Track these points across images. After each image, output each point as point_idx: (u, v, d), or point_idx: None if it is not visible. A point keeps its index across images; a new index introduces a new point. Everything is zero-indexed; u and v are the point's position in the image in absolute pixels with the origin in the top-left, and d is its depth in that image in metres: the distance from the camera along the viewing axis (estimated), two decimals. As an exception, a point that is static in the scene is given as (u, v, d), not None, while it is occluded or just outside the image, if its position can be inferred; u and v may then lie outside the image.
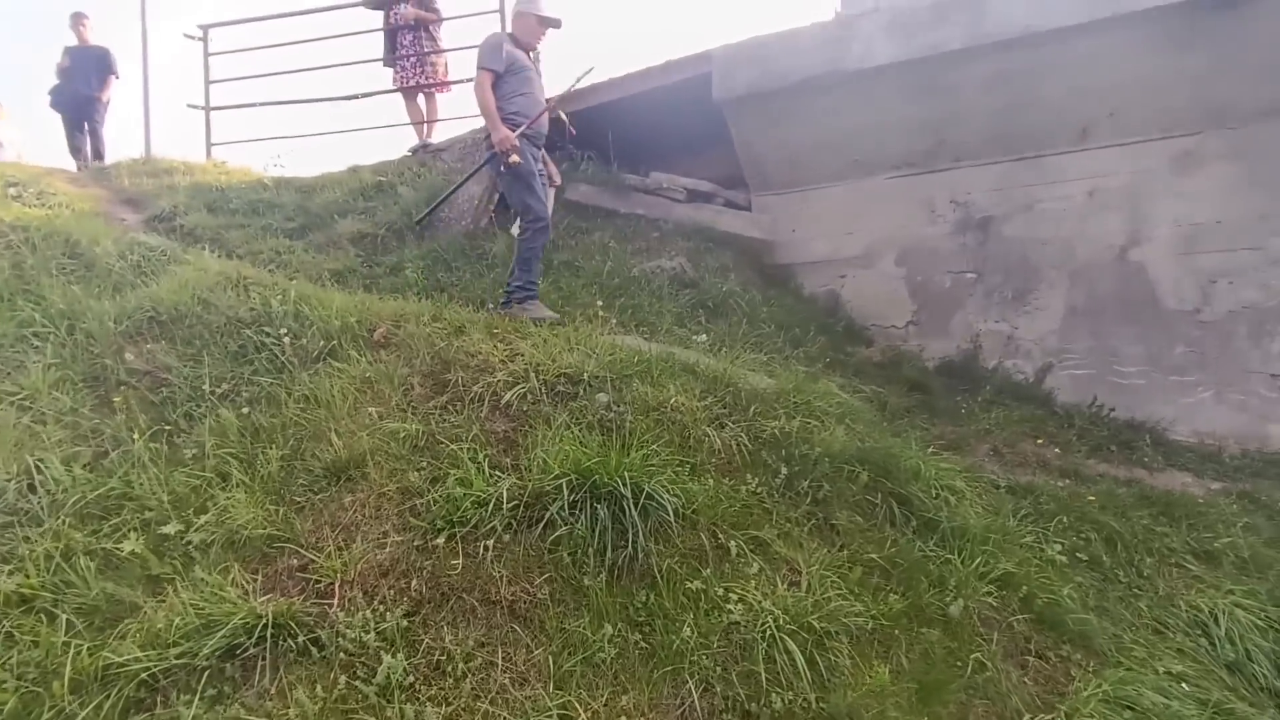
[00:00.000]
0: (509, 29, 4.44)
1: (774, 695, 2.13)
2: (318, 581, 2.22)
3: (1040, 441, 4.25)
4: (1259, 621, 2.95)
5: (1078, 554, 3.23)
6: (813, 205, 6.12)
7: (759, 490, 2.86)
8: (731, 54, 5.75)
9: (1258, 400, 4.95)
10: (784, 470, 2.94)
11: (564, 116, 4.52)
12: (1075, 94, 5.09)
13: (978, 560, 2.79)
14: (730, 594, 2.40)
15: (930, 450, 3.68)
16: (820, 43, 5.45)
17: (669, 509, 2.54)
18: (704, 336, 4.44)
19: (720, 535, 2.61)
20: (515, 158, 3.94)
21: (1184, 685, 2.68)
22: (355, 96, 6.98)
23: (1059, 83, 5.05)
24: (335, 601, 2.18)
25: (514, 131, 3.97)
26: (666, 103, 6.24)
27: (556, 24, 4.34)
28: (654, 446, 2.78)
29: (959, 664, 2.47)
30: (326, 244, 5.36)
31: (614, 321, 4.24)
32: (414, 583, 2.25)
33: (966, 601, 2.63)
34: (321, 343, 3.31)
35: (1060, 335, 5.40)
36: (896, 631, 2.47)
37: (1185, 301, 5.11)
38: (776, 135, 5.93)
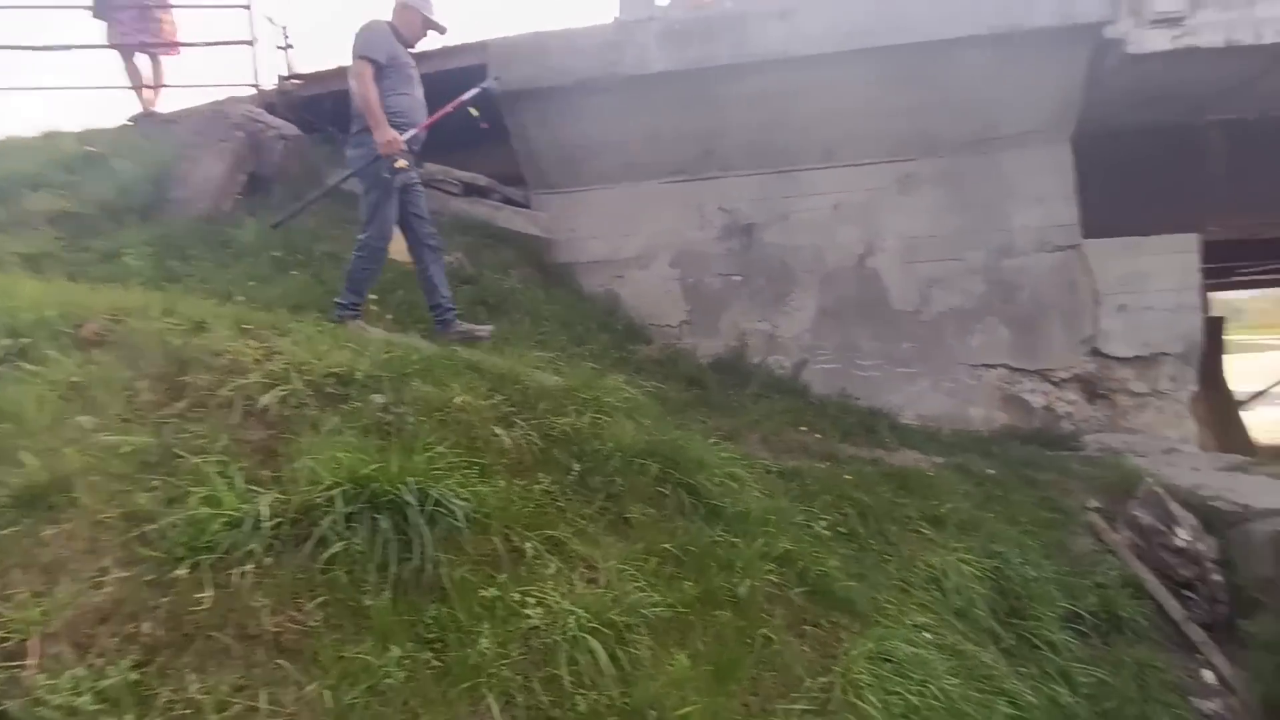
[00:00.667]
0: (390, 19, 3.92)
1: (578, 698, 2.05)
2: (4, 640, 1.74)
3: (802, 429, 4.64)
4: (977, 572, 3.44)
5: (839, 528, 3.53)
6: (591, 206, 6.19)
7: (552, 489, 2.76)
8: (509, 47, 5.63)
9: (962, 387, 5.86)
10: (576, 467, 2.88)
11: (475, 111, 4.10)
12: (822, 117, 5.67)
13: (760, 541, 2.93)
14: (528, 598, 2.28)
15: (711, 441, 3.84)
16: (598, 45, 5.53)
17: (459, 514, 2.36)
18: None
19: (515, 538, 2.48)
20: (403, 162, 3.52)
21: (926, 635, 3.03)
22: (53, 48, 5.79)
23: (810, 105, 5.59)
24: (31, 661, 1.72)
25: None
26: (442, 91, 5.94)
27: (441, 30, 4.01)
28: (440, 449, 2.58)
29: (749, 641, 2.56)
30: (12, 223, 4.36)
31: (389, 318, 3.91)
32: (145, 626, 1.84)
33: (753, 581, 2.75)
34: (7, 341, 2.65)
35: (813, 333, 5.98)
36: (692, 617, 2.51)
37: (909, 303, 5.91)
38: (554, 133, 5.91)
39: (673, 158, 5.96)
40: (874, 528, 3.65)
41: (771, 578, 2.86)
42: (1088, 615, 3.51)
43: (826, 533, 3.40)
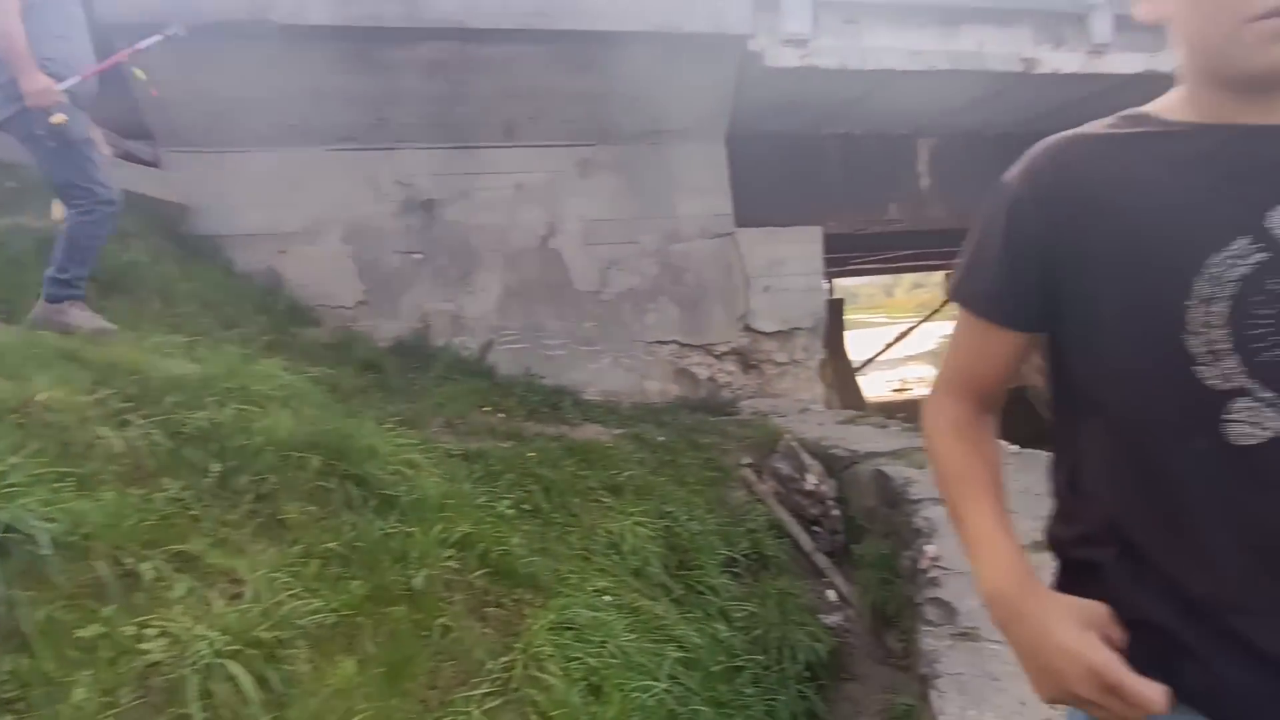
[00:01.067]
0: None
1: (214, 735, 1.75)
2: None
3: (486, 410, 4.57)
4: (650, 533, 3.69)
5: (523, 505, 3.54)
6: (244, 170, 5.41)
7: (183, 496, 2.33)
8: (124, -32, 4.64)
9: (640, 363, 6.28)
10: (216, 467, 2.47)
11: (141, 74, 3.44)
12: (503, 94, 5.61)
13: (438, 528, 2.80)
14: (146, 629, 1.89)
15: (387, 427, 3.59)
16: (244, -17, 4.80)
17: (43, 539, 1.87)
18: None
19: (127, 560, 2.04)
20: (60, 116, 2.84)
21: (607, 597, 3.17)
22: None
23: (490, 81, 5.49)
24: None
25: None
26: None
27: None
28: (14, 460, 2.02)
29: (426, 634, 2.43)
30: None
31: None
32: None
33: (430, 570, 2.61)
34: None
35: (499, 314, 5.93)
36: (360, 619, 2.30)
37: (590, 284, 6.15)
38: (193, 84, 5.03)
39: (341, 123, 5.45)
40: (558, 502, 3.72)
41: (451, 564, 2.74)
42: (741, 558, 3.98)
43: (510, 512, 3.38)
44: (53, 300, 3.11)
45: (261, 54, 4.97)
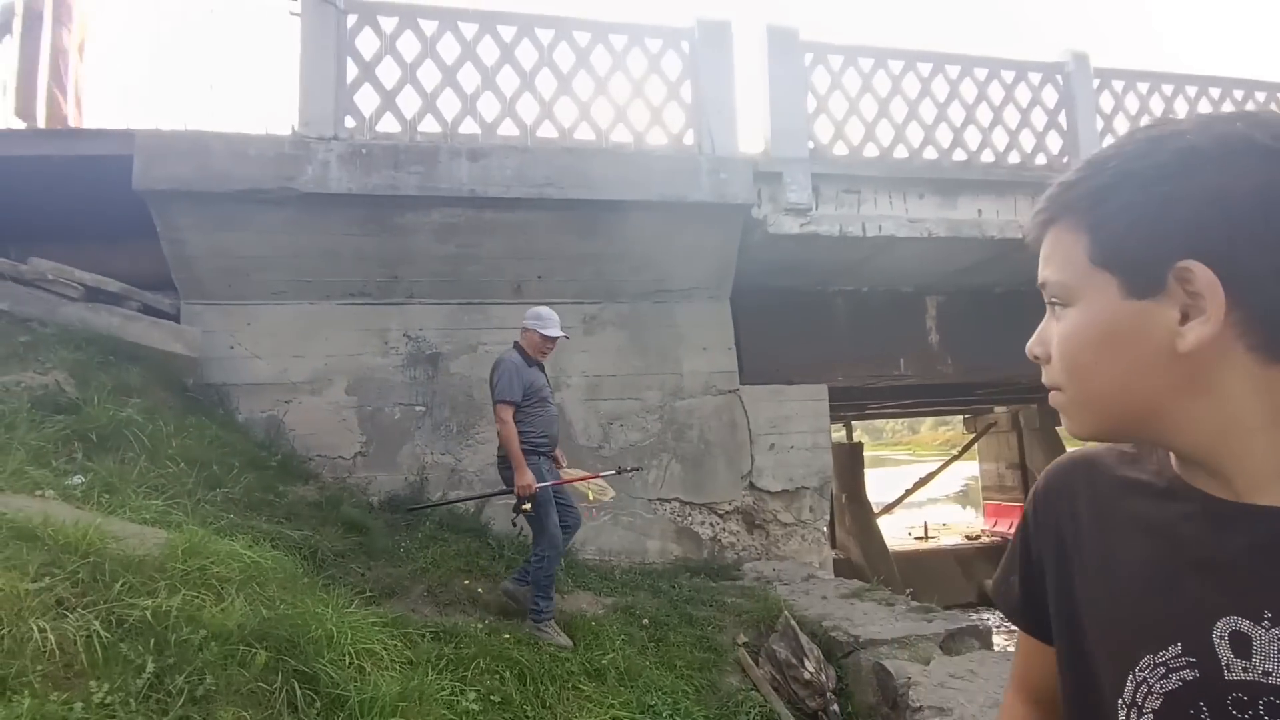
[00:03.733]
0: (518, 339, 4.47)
1: None
2: None
3: (469, 580, 4.39)
4: (629, 730, 3.40)
5: (491, 696, 3.31)
6: (258, 322, 5.58)
7: (110, 700, 2.19)
8: (161, 141, 4.99)
9: (641, 521, 6.09)
10: (151, 666, 2.33)
11: (591, 496, 4.73)
12: (511, 255, 5.81)
13: (386, 735, 2.60)
14: None
15: (357, 602, 3.44)
16: (272, 155, 5.14)
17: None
18: (80, 478, 3.47)
19: (29, 783, 1.88)
20: (527, 506, 4.01)
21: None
22: None
23: (499, 242, 5.71)
24: None
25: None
26: (69, 176, 5.07)
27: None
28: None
29: None
30: None
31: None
32: None
33: (369, 790, 2.39)
34: None
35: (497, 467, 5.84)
36: None
37: (592, 439, 6.09)
38: (216, 241, 5.30)
39: (354, 279, 5.65)
40: (531, 690, 3.48)
41: (396, 778, 2.52)
42: (731, 760, 3.63)
43: (476, 706, 3.15)
44: (535, 621, 4.04)
45: (282, 218, 5.24)
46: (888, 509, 18.28)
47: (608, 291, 6.21)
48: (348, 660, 2.83)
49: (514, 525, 4.35)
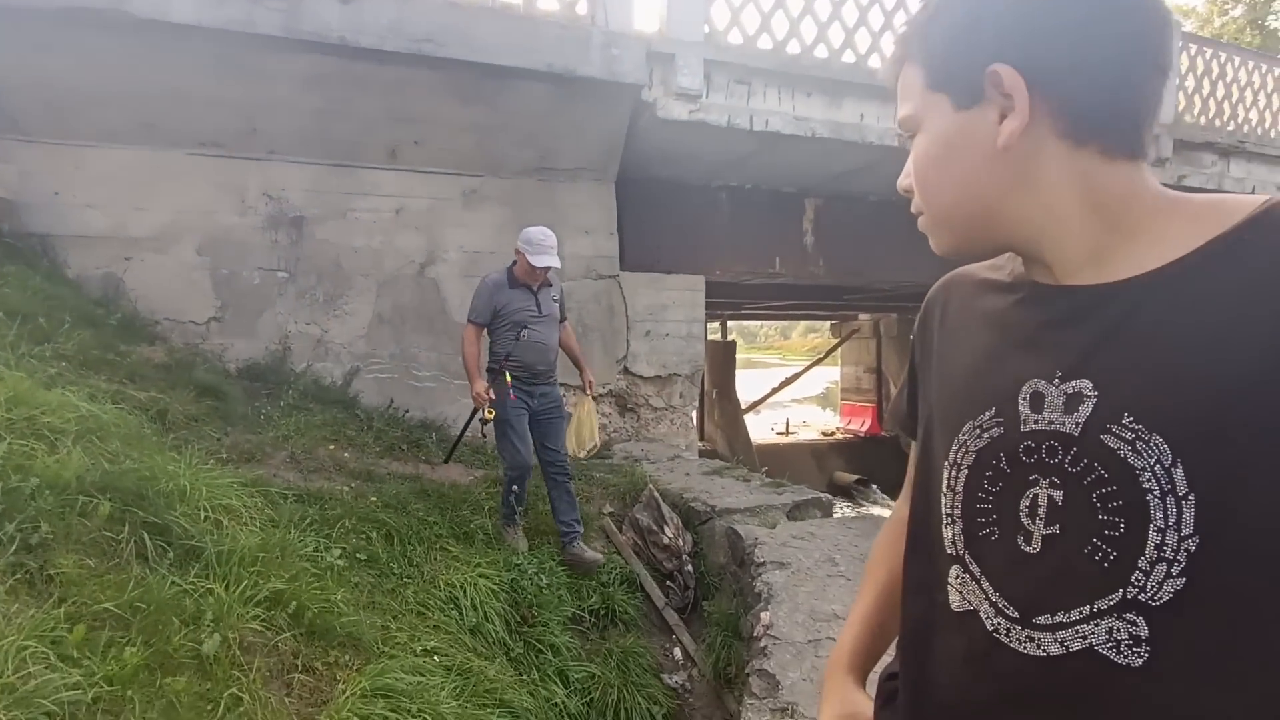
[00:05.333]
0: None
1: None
2: None
3: (336, 446, 4.32)
4: (494, 587, 3.56)
5: (357, 554, 3.34)
6: (90, 167, 4.98)
7: (-73, 546, 2.05)
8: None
9: (514, 400, 6.13)
10: (-25, 513, 2.18)
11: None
12: (386, 115, 5.43)
13: (244, 584, 2.58)
14: None
15: (213, 464, 3.32)
16: (101, -30, 4.44)
17: None
18: None
19: None
20: (489, 412, 3.91)
21: (436, 658, 3.01)
22: None
23: (373, 101, 5.30)
24: None
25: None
26: None
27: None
28: None
29: (211, 706, 2.21)
30: None
31: None
32: None
33: (226, 633, 2.39)
34: None
35: (368, 340, 5.68)
36: (130, 692, 2.06)
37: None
38: (34, 68, 4.60)
39: (206, 127, 5.11)
40: (398, 550, 3.54)
41: (255, 624, 2.53)
42: (589, 614, 3.89)
43: (341, 562, 3.17)
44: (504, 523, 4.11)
45: (119, 46, 4.60)
46: (754, 406, 19.37)
47: (490, 165, 5.97)
48: (203, 515, 2.76)
49: (482, 436, 4.42)
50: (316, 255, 5.52)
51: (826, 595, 3.25)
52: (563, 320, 4.27)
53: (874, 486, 13.47)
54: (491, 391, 3.94)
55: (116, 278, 4.98)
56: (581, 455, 4.50)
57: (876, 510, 11.84)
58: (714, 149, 6.70)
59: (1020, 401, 0.68)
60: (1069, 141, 0.65)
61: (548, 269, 4.03)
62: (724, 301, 13.77)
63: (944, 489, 0.73)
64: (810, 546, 3.78)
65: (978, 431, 0.70)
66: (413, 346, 5.81)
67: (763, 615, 3.10)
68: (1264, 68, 8.63)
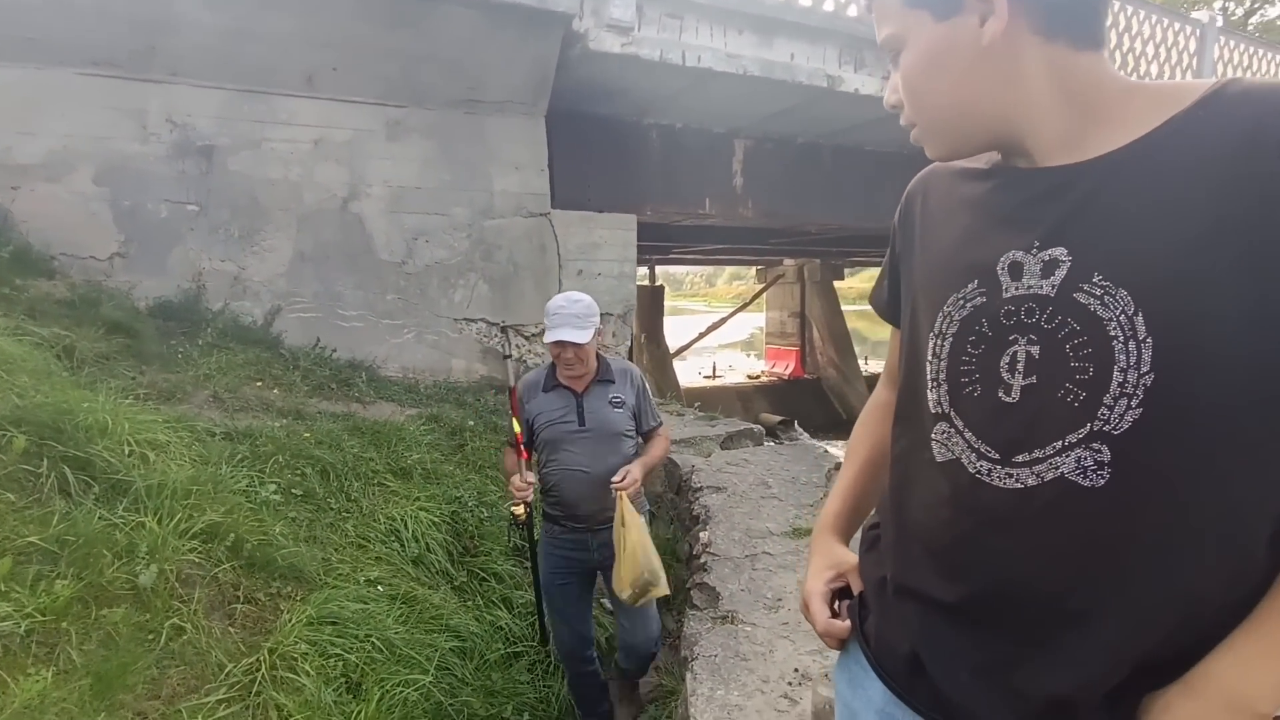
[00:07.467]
0: None
1: None
2: None
3: (261, 384, 4.18)
4: (436, 519, 3.56)
5: (293, 490, 3.28)
6: (-37, 85, 4.52)
7: None
8: None
9: (445, 340, 6.05)
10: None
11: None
12: (302, 38, 5.11)
13: (178, 517, 2.51)
14: None
15: (131, 401, 3.17)
16: None
17: None
18: None
19: None
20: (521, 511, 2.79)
21: (380, 587, 3.02)
22: None
23: (286, 21, 4.97)
24: None
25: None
26: None
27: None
28: None
29: (151, 636, 2.17)
30: None
31: None
32: None
33: (162, 565, 2.33)
34: None
35: (289, 279, 5.44)
36: (65, 624, 2.00)
37: (395, 254, 5.81)
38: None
39: (99, 44, 4.68)
40: (335, 486, 3.49)
41: (193, 557, 2.48)
42: (530, 544, 3.95)
43: (276, 497, 3.11)
44: None
45: (-10, -52, 4.15)
46: (682, 351, 19.65)
47: (415, 95, 5.73)
48: (127, 450, 2.65)
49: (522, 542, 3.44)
50: (229, 188, 5.21)
51: (761, 514, 3.41)
52: (644, 431, 2.82)
53: (797, 426, 13.96)
54: (530, 476, 2.74)
55: (4, 208, 4.58)
56: (624, 596, 2.58)
57: (805, 441, 12.30)
58: (646, 85, 6.61)
59: (1000, 271, 0.75)
60: (1041, 37, 0.72)
61: (564, 345, 2.58)
62: (652, 244, 13.78)
63: (929, 357, 0.81)
64: (744, 472, 3.93)
65: (961, 302, 0.77)
66: (337, 285, 5.60)
67: (701, 535, 3.22)
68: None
